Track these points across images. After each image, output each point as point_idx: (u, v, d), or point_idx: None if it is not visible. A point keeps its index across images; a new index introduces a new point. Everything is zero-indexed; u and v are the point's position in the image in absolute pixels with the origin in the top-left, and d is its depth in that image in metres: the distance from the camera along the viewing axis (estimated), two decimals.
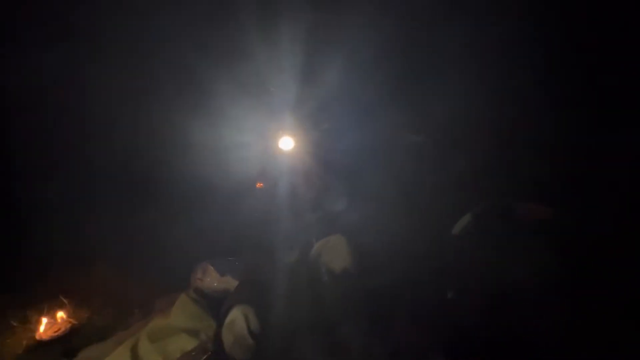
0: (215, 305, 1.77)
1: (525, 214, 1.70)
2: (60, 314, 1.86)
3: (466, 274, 1.53)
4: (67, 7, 1.93)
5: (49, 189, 2.14)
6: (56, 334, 1.75)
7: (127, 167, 2.22)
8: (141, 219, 2.17)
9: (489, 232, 1.64)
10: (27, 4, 1.97)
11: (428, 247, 1.64)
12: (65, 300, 1.94)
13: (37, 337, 1.73)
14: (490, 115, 1.88)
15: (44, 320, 1.80)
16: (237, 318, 1.44)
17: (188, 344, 1.54)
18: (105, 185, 2.18)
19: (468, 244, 1.66)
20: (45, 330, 1.77)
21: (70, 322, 1.83)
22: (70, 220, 2.12)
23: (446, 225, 1.75)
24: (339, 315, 1.35)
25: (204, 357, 1.44)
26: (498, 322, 1.38)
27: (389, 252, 1.52)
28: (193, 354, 1.46)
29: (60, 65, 1.99)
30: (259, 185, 2.26)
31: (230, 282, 1.96)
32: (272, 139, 2.05)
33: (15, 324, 1.81)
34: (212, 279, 2.00)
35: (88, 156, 2.18)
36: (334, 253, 1.48)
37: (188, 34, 2.02)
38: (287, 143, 2.05)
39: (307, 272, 1.51)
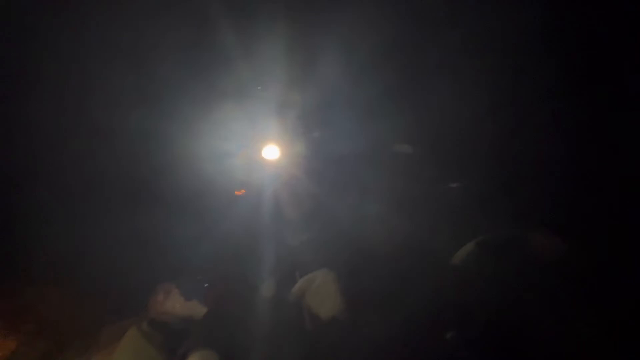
0: (175, 340, 1.48)
1: (537, 246, 1.57)
2: None
3: (468, 311, 1.36)
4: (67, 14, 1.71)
5: None
6: None
7: (82, 175, 1.90)
8: (95, 228, 1.84)
9: (495, 265, 1.48)
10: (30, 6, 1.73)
11: (425, 282, 1.45)
12: None
13: None
14: (489, 123, 1.79)
15: None
16: None
17: None
18: (55, 192, 1.84)
19: (469, 276, 1.49)
20: None
21: None
22: (5, 227, 1.77)
23: (443, 251, 1.59)
24: None
25: None
26: None
27: (382, 293, 1.29)
28: None
29: (56, 72, 1.76)
30: (238, 192, 2.00)
31: (196, 309, 1.67)
32: (256, 147, 1.81)
33: None
34: (174, 304, 1.72)
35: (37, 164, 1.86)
36: (321, 296, 1.23)
37: (177, 39, 1.80)
38: (272, 152, 1.79)
39: (288, 314, 1.26)
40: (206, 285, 1.78)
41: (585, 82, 1.68)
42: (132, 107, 1.82)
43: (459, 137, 1.88)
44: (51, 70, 1.78)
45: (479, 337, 1.27)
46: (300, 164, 1.77)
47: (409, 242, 1.57)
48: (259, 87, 1.90)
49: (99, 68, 1.81)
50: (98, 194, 1.89)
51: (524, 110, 1.82)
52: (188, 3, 1.83)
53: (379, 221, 1.62)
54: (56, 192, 1.82)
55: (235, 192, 2.00)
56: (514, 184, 1.77)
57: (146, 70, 1.81)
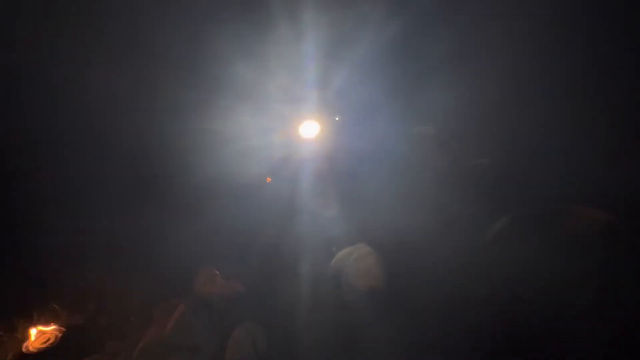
0: (219, 316, 1.58)
1: (579, 220, 1.51)
2: (51, 322, 1.69)
3: (501, 288, 1.34)
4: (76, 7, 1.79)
5: (44, 190, 1.97)
6: (45, 345, 1.58)
7: (130, 167, 2.03)
8: (142, 219, 1.99)
9: (531, 239, 1.44)
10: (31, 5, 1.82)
11: (459, 257, 1.44)
12: (56, 307, 1.76)
13: (24, 348, 1.56)
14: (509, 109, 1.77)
15: (33, 329, 1.63)
16: (243, 338, 1.25)
17: None
18: (103, 186, 2.00)
19: (503, 252, 1.46)
20: (33, 340, 1.60)
21: (61, 330, 1.65)
22: (65, 221, 1.95)
23: (475, 228, 1.57)
24: (366, 339, 1.15)
25: None
26: (544, 346, 1.20)
27: (418, 267, 1.30)
28: None
29: (68, 64, 1.86)
30: (268, 180, 2.06)
31: (236, 289, 1.78)
32: (294, 125, 1.82)
33: (1, 333, 1.65)
34: (216, 284, 1.83)
35: (86, 157, 2.01)
36: (359, 268, 1.26)
37: (208, 21, 1.84)
38: (310, 129, 1.80)
39: (327, 287, 1.30)
40: (243, 268, 1.86)
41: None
42: (171, 89, 1.88)
43: (490, 115, 1.84)
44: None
45: (513, 315, 1.25)
46: (338, 141, 1.79)
47: (442, 216, 1.56)
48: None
49: (129, 56, 1.87)
50: (146, 187, 2.02)
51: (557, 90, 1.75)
52: None
53: (412, 198, 1.62)
54: (111, 189, 1.97)
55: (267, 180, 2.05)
56: (547, 160, 1.72)
57: (186, 51, 1.85)
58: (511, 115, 1.80)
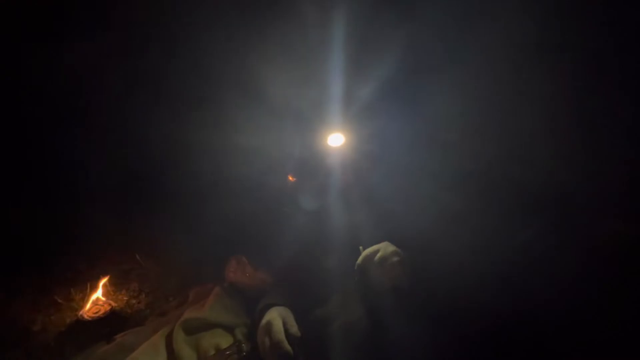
0: (250, 301, 1.72)
1: (606, 233, 1.52)
2: (101, 295, 1.90)
3: (531, 296, 1.37)
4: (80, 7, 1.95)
5: (92, 173, 2.19)
6: (96, 315, 1.78)
7: (166, 161, 2.23)
8: (176, 208, 2.18)
9: (559, 249, 1.47)
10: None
11: (485, 259, 1.48)
12: (106, 282, 1.98)
13: (80, 316, 1.77)
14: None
15: (88, 300, 1.85)
16: (275, 320, 1.37)
17: (223, 340, 1.50)
18: (145, 172, 2.20)
19: (531, 258, 1.49)
20: (87, 310, 1.80)
21: (110, 304, 1.85)
22: (113, 205, 2.17)
23: (502, 230, 1.60)
24: (385, 334, 1.24)
25: (239, 358, 1.38)
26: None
27: (444, 267, 1.37)
28: (227, 352, 1.40)
29: (71, 64, 2.00)
30: (290, 178, 2.18)
31: (264, 278, 1.91)
32: (322, 134, 1.94)
33: (60, 300, 1.87)
34: (245, 272, 1.96)
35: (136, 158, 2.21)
36: (384, 266, 1.35)
37: (230, 24, 1.97)
38: (337, 139, 1.92)
39: (352, 283, 1.40)
40: (272, 258, 1.99)
41: None
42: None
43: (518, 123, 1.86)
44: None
45: (538, 323, 1.28)
46: (364, 149, 1.88)
47: (468, 222, 1.60)
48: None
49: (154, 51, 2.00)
50: (188, 187, 2.20)
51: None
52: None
53: (437, 201, 1.68)
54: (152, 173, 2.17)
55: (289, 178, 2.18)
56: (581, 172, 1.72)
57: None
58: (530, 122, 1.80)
